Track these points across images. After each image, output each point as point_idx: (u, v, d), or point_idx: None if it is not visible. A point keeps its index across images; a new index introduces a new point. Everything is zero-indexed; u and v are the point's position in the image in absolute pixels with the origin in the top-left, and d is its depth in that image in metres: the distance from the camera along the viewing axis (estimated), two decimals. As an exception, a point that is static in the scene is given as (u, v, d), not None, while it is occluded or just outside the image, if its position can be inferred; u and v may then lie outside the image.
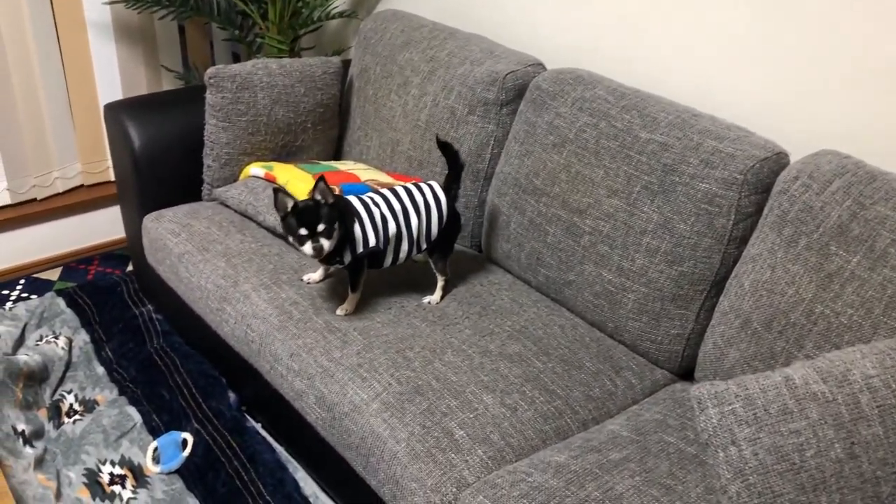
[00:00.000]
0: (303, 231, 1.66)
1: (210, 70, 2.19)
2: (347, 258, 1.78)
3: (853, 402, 1.19)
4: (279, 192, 1.68)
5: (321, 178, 1.69)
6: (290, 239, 1.70)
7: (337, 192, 2.09)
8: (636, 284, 1.76)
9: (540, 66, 2.14)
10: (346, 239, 1.75)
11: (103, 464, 1.91)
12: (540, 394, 1.65)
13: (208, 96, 2.22)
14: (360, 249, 1.77)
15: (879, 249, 1.41)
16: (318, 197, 1.68)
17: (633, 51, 2.06)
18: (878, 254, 1.40)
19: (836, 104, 1.69)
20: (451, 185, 1.92)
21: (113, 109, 2.30)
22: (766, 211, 1.60)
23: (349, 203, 1.80)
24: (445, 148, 1.89)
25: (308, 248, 1.67)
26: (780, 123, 1.80)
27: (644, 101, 1.84)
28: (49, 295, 2.58)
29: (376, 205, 1.82)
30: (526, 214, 1.98)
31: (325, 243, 1.67)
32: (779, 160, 1.65)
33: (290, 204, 1.67)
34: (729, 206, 1.64)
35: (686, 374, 1.80)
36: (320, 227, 1.66)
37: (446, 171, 1.93)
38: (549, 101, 1.97)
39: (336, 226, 1.69)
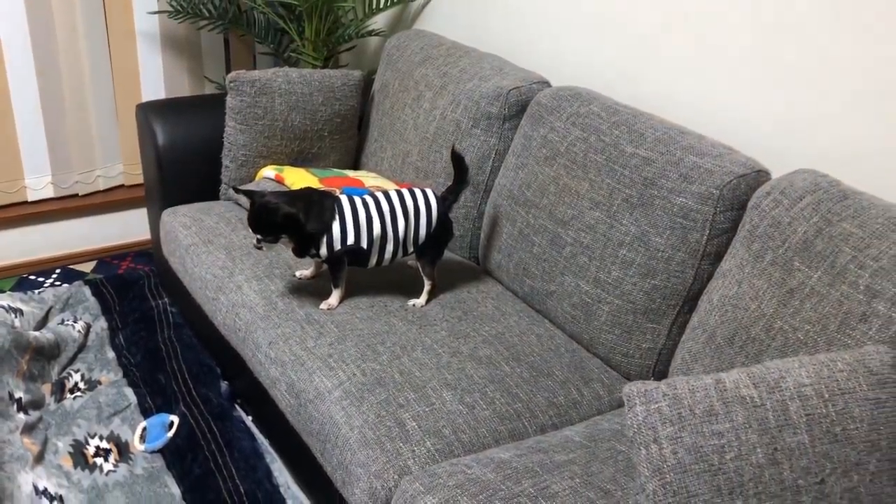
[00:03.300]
0: (250, 230, 1.83)
1: (231, 74, 2.31)
2: (323, 252, 1.83)
3: (781, 408, 1.16)
4: (239, 191, 1.85)
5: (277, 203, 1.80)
6: None
7: (338, 192, 2.16)
8: (610, 296, 1.76)
9: (545, 83, 2.17)
10: (322, 234, 1.81)
11: (92, 437, 1.99)
12: (502, 396, 1.65)
13: (228, 99, 2.33)
14: (338, 246, 1.83)
15: (840, 266, 1.37)
16: (272, 205, 1.78)
17: (640, 72, 2.08)
18: (839, 270, 1.37)
19: (835, 126, 1.67)
20: (449, 195, 1.96)
21: (143, 109, 2.44)
22: (739, 227, 1.59)
23: (337, 199, 1.86)
24: (457, 160, 1.94)
25: (254, 241, 1.83)
26: (778, 145, 1.78)
27: (636, 117, 1.85)
28: (77, 283, 2.72)
29: (365, 205, 1.87)
30: (516, 225, 2.00)
31: (265, 246, 1.83)
32: (758, 178, 1.64)
33: (250, 202, 1.81)
34: (704, 221, 1.63)
35: (658, 391, 1.77)
36: (258, 237, 1.81)
37: (449, 182, 1.97)
38: (546, 116, 2.00)
39: (285, 235, 1.80)
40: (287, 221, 1.78)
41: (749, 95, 1.82)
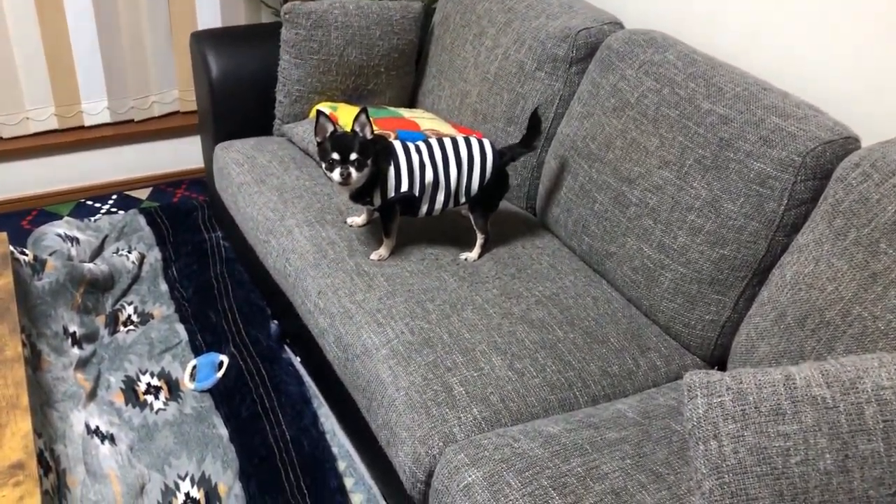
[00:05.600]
0: (335, 156, 1.67)
1: (287, 5, 2.21)
2: (377, 200, 1.77)
3: (856, 412, 1.08)
4: (322, 115, 1.70)
5: (363, 110, 1.69)
6: (323, 166, 1.71)
7: (392, 136, 2.08)
8: (675, 263, 1.67)
9: (617, 24, 2.03)
10: (378, 180, 1.74)
11: (143, 374, 2.01)
12: (553, 362, 1.59)
13: (283, 32, 2.25)
14: (392, 193, 1.76)
15: (933, 252, 1.26)
16: (357, 129, 1.69)
17: (719, 18, 1.92)
18: (931, 257, 1.26)
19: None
20: (509, 151, 1.86)
21: (197, 39, 2.37)
22: (821, 199, 1.47)
23: (390, 145, 1.79)
24: (534, 124, 1.83)
25: (336, 174, 1.68)
26: (870, 108, 1.62)
27: (714, 70, 1.71)
28: (132, 212, 2.73)
29: (418, 151, 1.79)
30: (578, 179, 1.90)
31: (354, 173, 1.67)
32: (846, 145, 1.50)
33: (329, 130, 1.69)
34: (782, 190, 1.52)
35: (719, 363, 1.69)
36: (353, 156, 1.66)
37: (509, 128, 1.86)
38: (617, 63, 1.87)
39: (369, 161, 1.69)
40: (377, 151, 1.70)
41: (839, 49, 1.66)
